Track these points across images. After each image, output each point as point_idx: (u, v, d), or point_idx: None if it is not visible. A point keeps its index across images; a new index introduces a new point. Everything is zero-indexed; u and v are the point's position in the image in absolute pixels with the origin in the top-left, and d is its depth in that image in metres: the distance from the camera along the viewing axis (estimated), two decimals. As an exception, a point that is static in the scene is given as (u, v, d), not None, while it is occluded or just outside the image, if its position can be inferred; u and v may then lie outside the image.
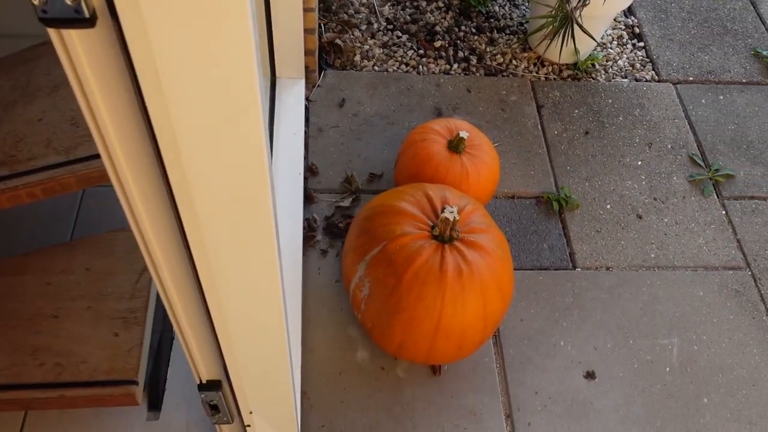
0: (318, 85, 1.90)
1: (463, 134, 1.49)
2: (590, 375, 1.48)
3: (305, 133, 1.78)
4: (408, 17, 2.11)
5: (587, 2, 1.73)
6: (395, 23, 2.09)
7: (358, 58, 1.98)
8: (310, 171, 1.73)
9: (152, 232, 0.65)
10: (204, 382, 0.94)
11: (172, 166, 0.55)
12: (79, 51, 0.46)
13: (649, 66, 2.08)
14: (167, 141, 0.52)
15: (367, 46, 2.02)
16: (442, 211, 1.26)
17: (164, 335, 1.39)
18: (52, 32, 0.44)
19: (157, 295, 1.20)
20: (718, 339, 1.55)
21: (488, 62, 2.02)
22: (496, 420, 1.41)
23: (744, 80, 2.07)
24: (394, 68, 1.98)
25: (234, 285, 0.71)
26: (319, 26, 2.00)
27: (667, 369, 1.50)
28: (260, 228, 0.64)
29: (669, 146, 1.89)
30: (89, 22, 0.43)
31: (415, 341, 1.28)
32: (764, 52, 2.13)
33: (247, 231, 0.64)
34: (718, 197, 1.80)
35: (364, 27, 2.06)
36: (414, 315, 1.24)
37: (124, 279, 1.17)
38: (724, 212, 1.77)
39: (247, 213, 0.62)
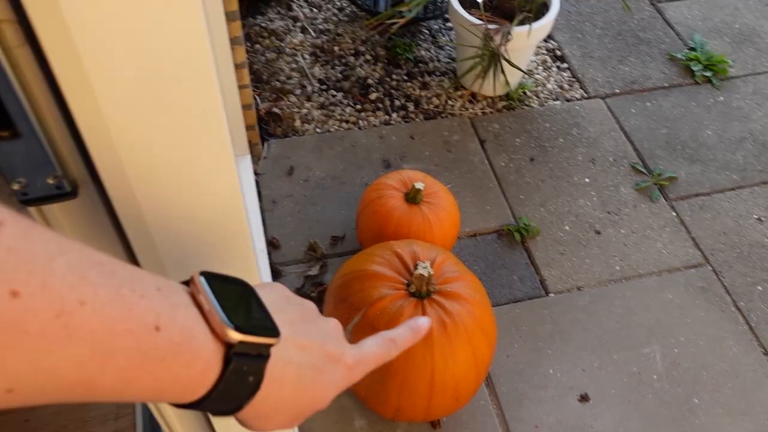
0: (264, 157, 1.90)
1: (419, 185, 1.51)
2: (584, 398, 1.50)
3: (260, 208, 1.77)
4: (339, 75, 2.14)
5: (510, 38, 1.80)
6: (328, 83, 2.11)
7: (298, 123, 2.00)
8: (271, 245, 1.71)
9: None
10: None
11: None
12: (61, 222, 0.45)
13: (576, 85, 2.16)
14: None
15: (305, 110, 2.03)
16: (416, 268, 1.27)
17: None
18: (31, 208, 0.44)
19: (143, 409, 1.16)
20: (695, 338, 1.60)
21: (425, 106, 2.07)
22: (503, 462, 1.40)
23: (666, 84, 2.17)
24: (336, 127, 2.00)
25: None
26: (254, 98, 2.01)
27: (655, 377, 1.53)
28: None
29: (611, 159, 1.96)
30: (72, 194, 0.42)
31: (412, 402, 1.27)
32: (678, 55, 2.25)
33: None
34: (666, 200, 1.87)
35: (298, 91, 2.08)
36: (407, 377, 1.24)
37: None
38: (674, 214, 1.84)
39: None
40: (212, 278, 0.40)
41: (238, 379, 0.39)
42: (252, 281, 0.45)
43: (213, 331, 0.38)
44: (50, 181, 0.41)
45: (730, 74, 2.20)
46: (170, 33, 0.36)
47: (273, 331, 0.41)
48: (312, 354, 0.45)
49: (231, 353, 0.38)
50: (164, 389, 0.36)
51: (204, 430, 0.85)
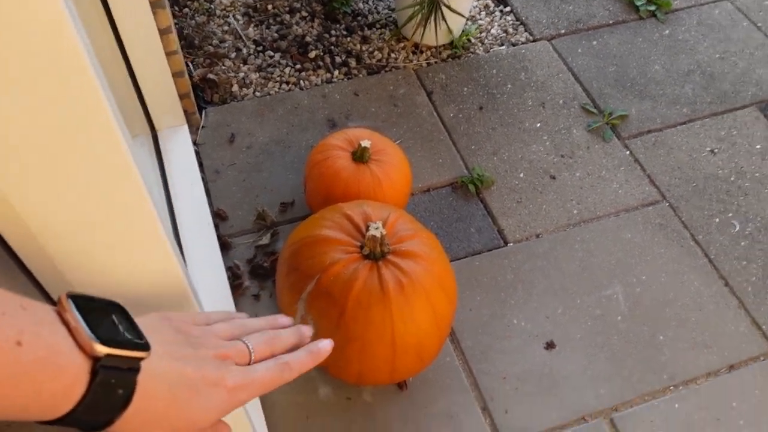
0: (202, 126, 1.80)
1: (365, 143, 1.44)
2: (550, 345, 1.48)
3: (203, 179, 1.69)
4: (275, 34, 2.04)
5: (449, -19, 1.72)
6: (264, 44, 2.01)
7: (236, 88, 1.90)
8: (218, 217, 1.63)
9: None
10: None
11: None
12: None
13: (521, 28, 2.10)
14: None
15: (242, 74, 1.93)
16: (367, 230, 1.21)
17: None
18: None
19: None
20: (656, 276, 1.59)
21: (368, 61, 1.99)
22: (473, 416, 1.38)
23: (611, 21, 2.13)
24: (276, 89, 1.90)
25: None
26: (187, 65, 1.90)
27: (619, 318, 1.52)
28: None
29: (561, 102, 1.92)
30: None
31: (375, 366, 1.23)
32: (621, -10, 2.20)
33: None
34: (618, 139, 1.84)
35: (233, 55, 1.98)
36: (367, 341, 1.19)
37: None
38: (628, 152, 1.81)
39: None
40: (80, 298, 0.42)
41: (107, 392, 0.40)
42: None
43: (80, 345, 0.39)
44: None
45: (673, 7, 2.17)
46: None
47: (142, 346, 0.43)
48: (187, 374, 0.47)
49: (98, 366, 0.39)
50: (30, 404, 0.37)
51: None
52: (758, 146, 1.83)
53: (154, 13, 1.46)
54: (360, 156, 1.46)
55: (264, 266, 1.55)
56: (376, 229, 1.19)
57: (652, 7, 2.14)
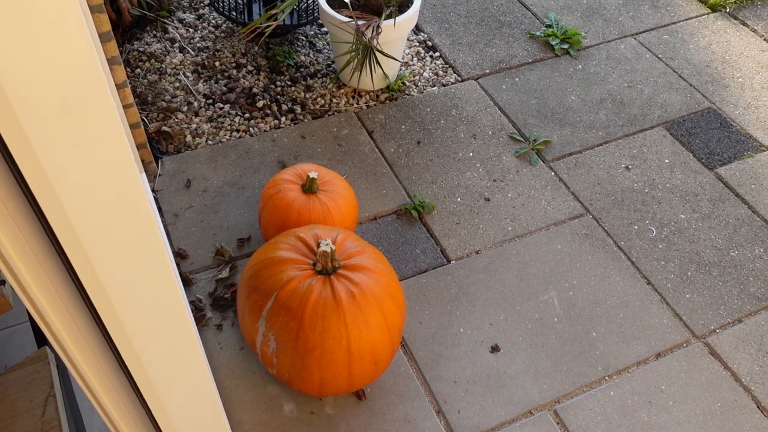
0: (159, 174, 1.91)
1: (313, 174, 1.58)
2: (495, 348, 1.61)
3: (162, 222, 1.79)
4: (224, 88, 2.19)
5: (380, 30, 1.91)
6: (213, 97, 2.15)
7: (189, 138, 2.03)
8: (179, 256, 1.73)
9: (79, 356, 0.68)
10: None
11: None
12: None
13: (450, 71, 2.30)
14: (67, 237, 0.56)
15: (194, 125, 2.06)
16: (318, 247, 1.34)
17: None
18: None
19: (67, 417, 1.16)
20: (586, 280, 1.75)
21: (312, 107, 2.15)
22: (430, 419, 1.49)
23: (530, 60, 2.35)
24: (227, 137, 2.04)
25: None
26: (142, 120, 2.03)
27: (555, 319, 1.67)
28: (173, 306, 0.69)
29: (490, 133, 2.10)
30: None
31: (334, 373, 1.34)
32: (537, 33, 2.44)
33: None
34: (544, 162, 2.03)
35: (185, 108, 2.11)
36: (325, 348, 1.30)
37: (29, 417, 1.13)
38: (553, 173, 2.00)
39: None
40: None
41: None
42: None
43: None
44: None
45: (584, 44, 2.41)
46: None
47: None
48: None
49: None
50: None
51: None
52: (667, 160, 2.04)
53: (111, 70, 1.59)
54: (309, 187, 1.59)
55: (225, 297, 1.65)
56: (326, 245, 1.32)
57: (566, 46, 2.38)
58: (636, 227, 1.87)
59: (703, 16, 2.55)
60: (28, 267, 0.59)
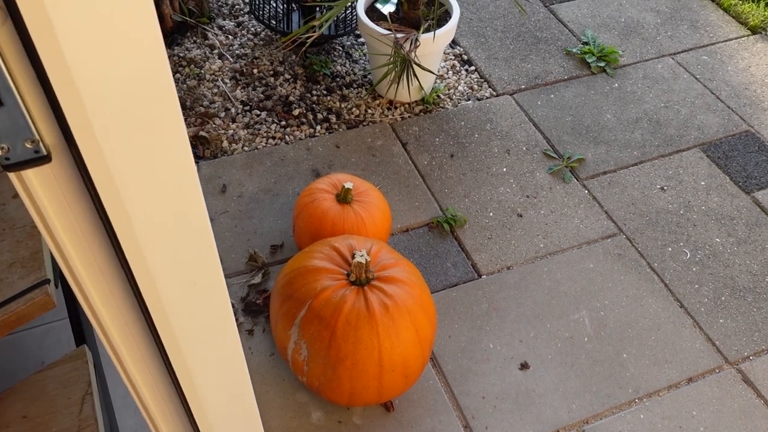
0: (195, 179, 1.94)
1: (348, 185, 1.59)
2: (524, 366, 1.61)
3: (197, 226, 1.81)
4: (261, 95, 2.21)
5: (418, 44, 1.92)
6: (251, 104, 2.18)
7: (225, 143, 2.05)
8: (212, 260, 1.75)
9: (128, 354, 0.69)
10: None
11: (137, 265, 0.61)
12: (38, 190, 0.51)
13: (485, 85, 2.31)
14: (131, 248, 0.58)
15: (231, 131, 2.09)
16: (353, 258, 1.35)
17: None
18: (12, 176, 0.49)
19: (103, 416, 1.18)
20: (617, 300, 1.74)
21: (347, 117, 2.16)
22: (456, 434, 1.49)
23: (566, 77, 2.35)
24: (263, 144, 2.06)
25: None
26: (180, 124, 2.06)
27: (586, 339, 1.66)
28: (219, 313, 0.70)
29: (524, 148, 2.10)
30: (47, 158, 0.49)
31: (365, 384, 1.34)
32: (574, 50, 2.43)
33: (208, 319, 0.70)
34: (577, 180, 2.02)
35: (222, 114, 2.14)
36: (357, 359, 1.31)
37: (67, 414, 1.15)
38: (586, 192, 1.99)
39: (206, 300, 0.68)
40: None
41: None
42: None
43: None
44: (28, 145, 0.47)
45: (621, 63, 2.40)
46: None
47: None
48: None
49: None
50: None
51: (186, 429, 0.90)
52: (703, 183, 2.02)
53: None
54: (344, 197, 1.61)
55: (257, 303, 1.67)
56: (361, 256, 1.33)
57: (602, 64, 2.37)
58: (670, 249, 1.86)
59: (743, 38, 2.53)
60: (89, 271, 0.61)
